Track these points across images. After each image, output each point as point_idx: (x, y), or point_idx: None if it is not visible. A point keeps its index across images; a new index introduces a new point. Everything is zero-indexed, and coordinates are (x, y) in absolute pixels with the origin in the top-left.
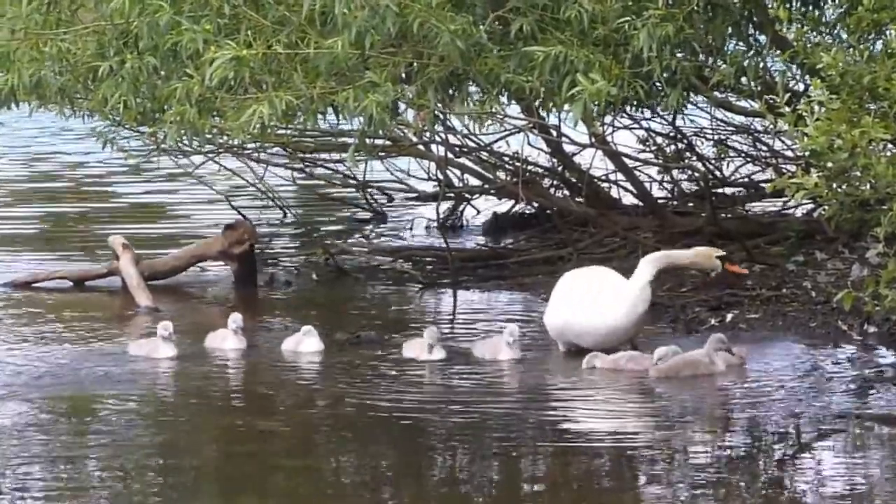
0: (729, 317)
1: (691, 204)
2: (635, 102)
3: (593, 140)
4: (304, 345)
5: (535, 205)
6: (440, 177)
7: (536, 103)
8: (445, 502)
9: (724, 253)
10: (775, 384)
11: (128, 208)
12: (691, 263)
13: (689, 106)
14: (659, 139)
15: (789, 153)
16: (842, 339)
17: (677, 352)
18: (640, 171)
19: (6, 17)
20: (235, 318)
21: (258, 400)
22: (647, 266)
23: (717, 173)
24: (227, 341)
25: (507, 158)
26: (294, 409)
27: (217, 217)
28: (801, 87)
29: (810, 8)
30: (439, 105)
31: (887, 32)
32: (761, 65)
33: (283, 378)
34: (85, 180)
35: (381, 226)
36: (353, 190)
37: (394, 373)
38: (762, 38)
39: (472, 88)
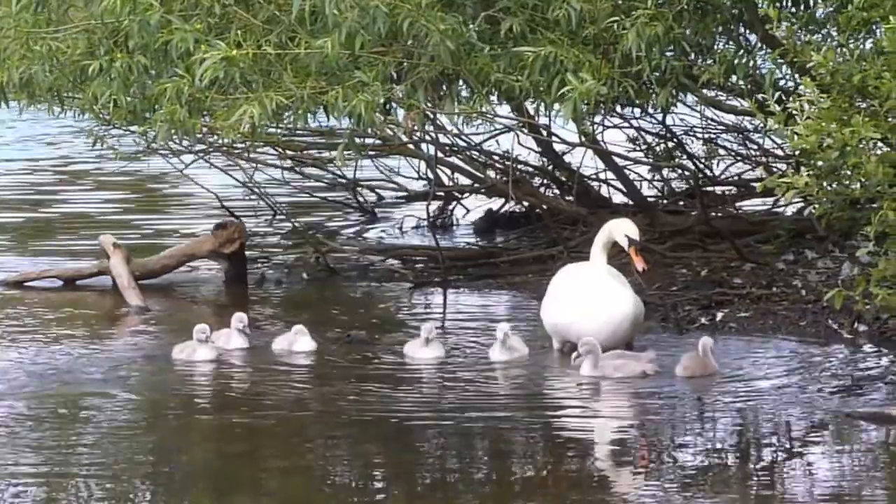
0: (719, 316)
1: (682, 203)
2: (625, 101)
3: (583, 139)
4: (298, 344)
5: (526, 204)
6: (430, 176)
7: (526, 103)
8: (438, 500)
9: (638, 242)
10: (766, 383)
11: (108, 210)
12: (612, 230)
13: (679, 105)
14: (649, 138)
15: (779, 152)
16: (832, 337)
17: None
18: (630, 169)
19: None
20: (241, 318)
21: (253, 399)
22: (599, 254)
23: (708, 172)
24: (231, 340)
25: (497, 157)
26: (288, 408)
27: (206, 216)
28: (791, 85)
29: (800, 7)
30: (429, 104)
31: (877, 31)
32: (751, 63)
33: (282, 377)
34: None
35: (372, 225)
36: (344, 189)
37: (387, 372)
38: (752, 36)
39: (463, 88)
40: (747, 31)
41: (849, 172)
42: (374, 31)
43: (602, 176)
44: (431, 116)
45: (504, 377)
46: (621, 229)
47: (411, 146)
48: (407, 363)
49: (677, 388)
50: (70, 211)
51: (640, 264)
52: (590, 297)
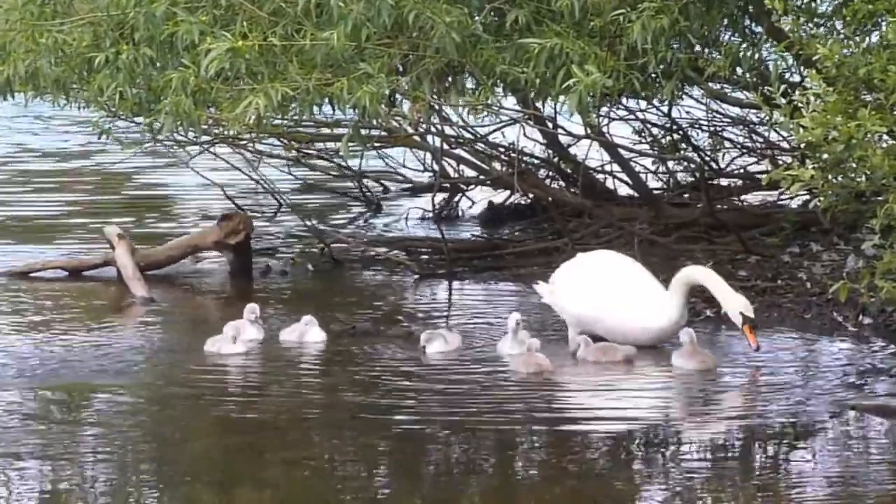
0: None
1: (687, 195)
2: (630, 94)
3: (589, 131)
4: (310, 335)
5: (531, 196)
6: (436, 167)
7: (532, 95)
8: (441, 493)
9: (753, 317)
10: (771, 375)
11: (120, 199)
12: (720, 297)
13: (685, 97)
14: (654, 130)
15: (785, 145)
16: (837, 330)
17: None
18: (635, 162)
19: (2, 9)
20: (253, 309)
21: (262, 390)
22: (680, 285)
23: (713, 164)
24: (245, 332)
25: (502, 149)
26: (299, 400)
27: (211, 207)
28: (796, 78)
29: None
30: (435, 96)
31: (883, 24)
32: (757, 56)
33: (295, 369)
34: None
35: (377, 216)
36: (349, 180)
37: (395, 365)
38: (758, 29)
39: (468, 80)
40: (753, 24)
41: (854, 165)
42: (380, 23)
43: (607, 168)
44: (437, 108)
45: (514, 371)
46: (736, 305)
47: (417, 138)
48: (416, 354)
49: (679, 382)
50: (67, 209)
51: (754, 343)
52: (640, 298)
